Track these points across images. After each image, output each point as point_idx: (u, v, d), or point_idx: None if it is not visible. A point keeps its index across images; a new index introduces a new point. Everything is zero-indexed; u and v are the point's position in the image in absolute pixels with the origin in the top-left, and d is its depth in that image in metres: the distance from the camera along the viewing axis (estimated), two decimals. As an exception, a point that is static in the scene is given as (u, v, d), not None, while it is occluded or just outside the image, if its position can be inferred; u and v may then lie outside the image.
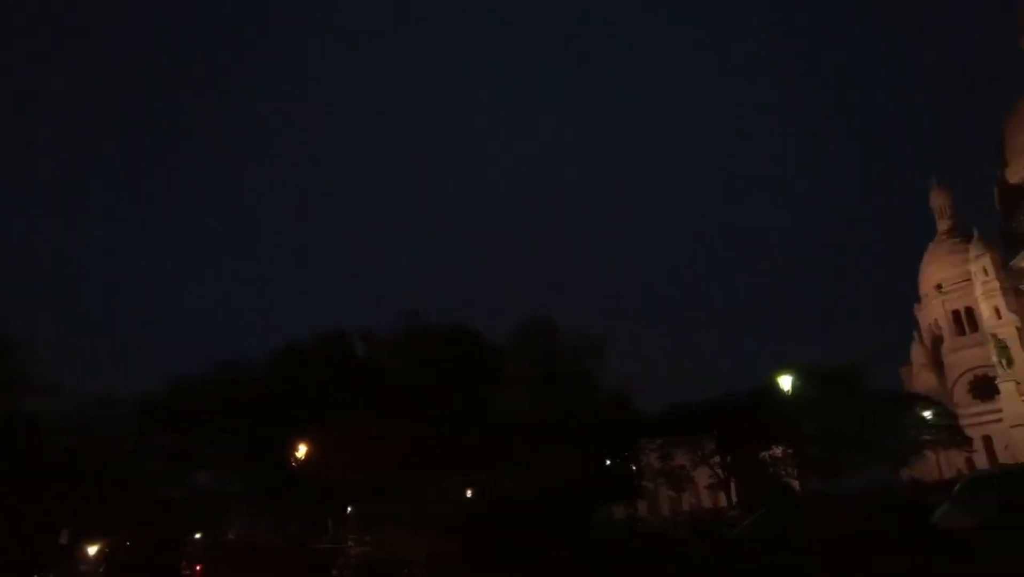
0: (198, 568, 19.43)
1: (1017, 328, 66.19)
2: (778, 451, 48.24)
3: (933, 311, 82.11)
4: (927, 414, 50.75)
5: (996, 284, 68.30)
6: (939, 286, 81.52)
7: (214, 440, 37.50)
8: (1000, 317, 67.07)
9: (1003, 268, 70.39)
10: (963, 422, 58.86)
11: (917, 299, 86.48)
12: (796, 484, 48.79)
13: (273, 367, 38.23)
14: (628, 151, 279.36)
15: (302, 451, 32.15)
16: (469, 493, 38.30)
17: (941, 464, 57.83)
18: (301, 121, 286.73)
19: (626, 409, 43.79)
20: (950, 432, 51.94)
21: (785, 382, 30.25)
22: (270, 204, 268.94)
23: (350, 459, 31.37)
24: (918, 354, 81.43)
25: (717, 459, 48.99)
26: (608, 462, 44.95)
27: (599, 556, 21.25)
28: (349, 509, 21.76)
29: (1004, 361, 62.93)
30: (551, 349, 41.08)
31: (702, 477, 58.48)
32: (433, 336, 38.53)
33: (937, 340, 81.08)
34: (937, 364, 79.39)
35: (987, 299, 68.81)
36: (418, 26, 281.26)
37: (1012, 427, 60.40)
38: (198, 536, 32.91)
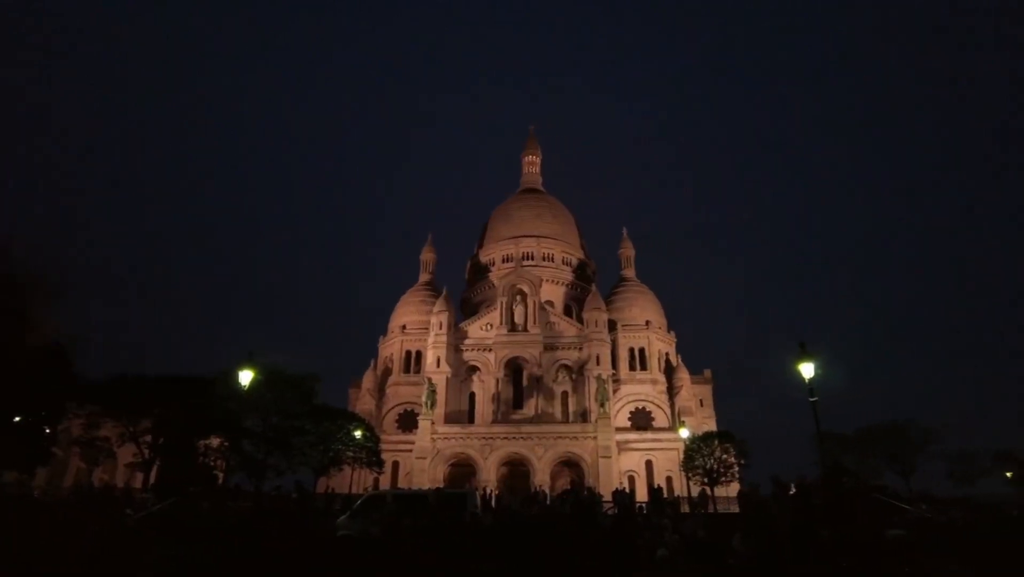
0: None
1: (448, 378, 79.37)
2: (215, 442, 47.77)
3: (392, 347, 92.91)
4: (357, 433, 56.23)
5: (444, 338, 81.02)
6: (404, 327, 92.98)
7: None
8: (438, 366, 79.54)
9: (454, 327, 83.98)
10: (384, 447, 66.76)
11: (385, 332, 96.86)
12: (221, 477, 48.88)
13: None
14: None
15: None
16: None
17: (355, 479, 64.77)
18: None
19: (62, 366, 38.37)
20: (370, 453, 58.08)
21: (245, 377, 30.46)
22: None
23: None
24: (368, 380, 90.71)
25: (149, 438, 46.06)
26: (17, 420, 38.56)
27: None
28: None
29: (429, 403, 73.90)
30: None
31: (126, 454, 54.31)
32: None
33: (387, 372, 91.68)
34: (380, 392, 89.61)
35: (434, 349, 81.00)
36: None
37: (417, 458, 70.94)
38: None
